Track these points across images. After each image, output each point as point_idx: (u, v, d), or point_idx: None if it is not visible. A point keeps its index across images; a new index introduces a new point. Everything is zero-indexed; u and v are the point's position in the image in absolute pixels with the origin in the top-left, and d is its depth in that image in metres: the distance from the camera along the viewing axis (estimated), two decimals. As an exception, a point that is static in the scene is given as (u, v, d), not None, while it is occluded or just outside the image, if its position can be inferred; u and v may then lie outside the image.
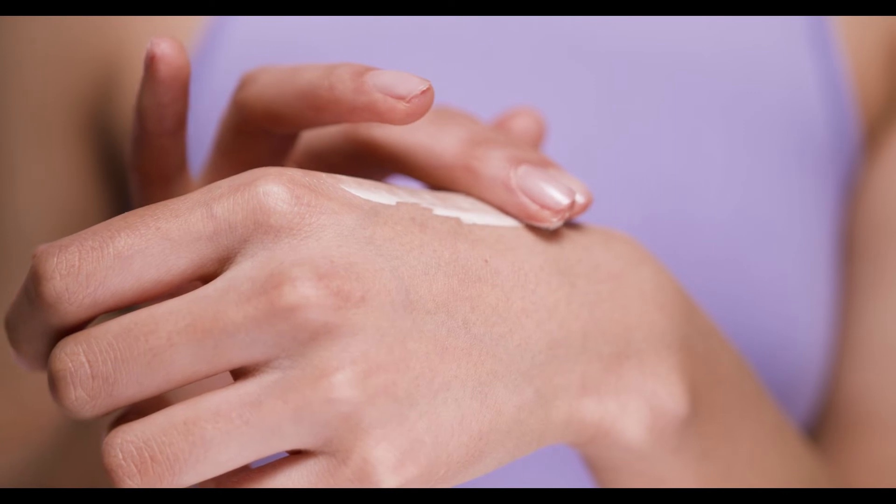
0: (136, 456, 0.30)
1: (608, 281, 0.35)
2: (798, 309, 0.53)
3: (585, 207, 0.35)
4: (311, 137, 0.39)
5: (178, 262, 0.31)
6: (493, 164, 0.35)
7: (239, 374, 0.31)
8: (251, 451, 0.30)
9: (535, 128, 0.40)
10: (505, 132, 0.39)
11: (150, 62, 0.33)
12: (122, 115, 0.57)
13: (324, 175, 0.32)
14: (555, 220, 0.34)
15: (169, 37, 0.34)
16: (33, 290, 0.31)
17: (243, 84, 0.36)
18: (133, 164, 0.36)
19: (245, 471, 0.31)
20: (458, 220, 0.33)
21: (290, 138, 0.37)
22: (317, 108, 0.34)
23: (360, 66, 0.34)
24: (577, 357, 0.33)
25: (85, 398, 0.30)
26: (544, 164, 0.35)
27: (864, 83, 0.57)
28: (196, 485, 0.31)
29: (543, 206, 0.34)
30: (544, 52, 0.54)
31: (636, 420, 0.34)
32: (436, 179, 0.36)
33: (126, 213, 0.31)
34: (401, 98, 0.33)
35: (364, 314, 0.30)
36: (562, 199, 0.34)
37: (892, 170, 0.58)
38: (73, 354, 0.30)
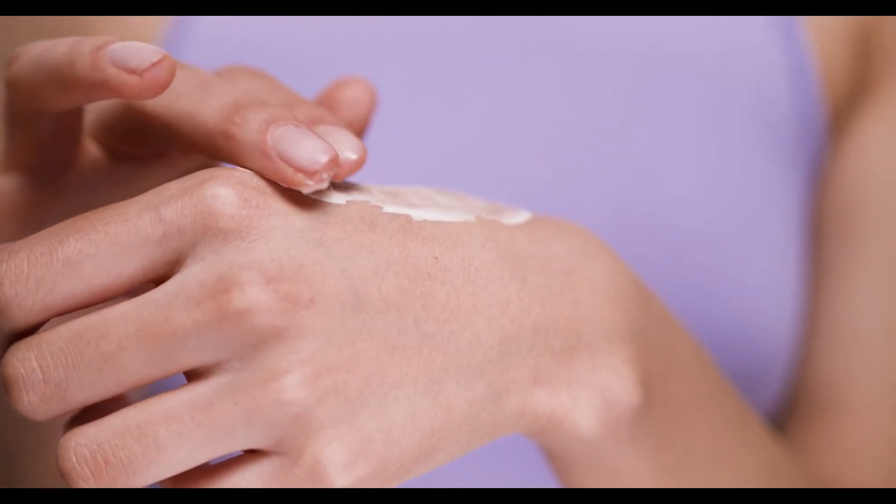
0: (89, 459, 0.30)
1: (560, 275, 0.35)
2: (766, 295, 0.53)
3: (359, 164, 0.33)
4: (100, 109, 0.37)
5: (128, 266, 0.31)
6: (251, 128, 0.32)
7: (192, 375, 0.31)
8: (204, 453, 0.30)
9: (365, 98, 0.38)
10: (326, 103, 0.37)
11: None
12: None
13: None
14: (310, 182, 0.31)
15: None
16: None
17: (10, 61, 0.34)
18: None
19: (201, 469, 0.32)
20: (408, 218, 0.33)
21: (73, 116, 0.35)
22: (65, 87, 0.32)
23: (102, 38, 0.32)
24: (528, 352, 0.34)
25: (38, 402, 0.30)
26: (318, 122, 0.34)
27: (829, 68, 0.58)
28: (153, 484, 0.32)
29: (298, 169, 0.31)
30: (516, 49, 0.54)
31: (588, 411, 0.34)
32: (200, 149, 0.34)
33: (75, 217, 0.31)
34: (132, 72, 0.31)
35: (313, 316, 0.30)
36: (318, 158, 0.31)
37: (857, 155, 0.58)
38: (25, 360, 0.30)
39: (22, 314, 0.31)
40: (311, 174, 0.31)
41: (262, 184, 0.31)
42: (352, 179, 0.52)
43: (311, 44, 0.53)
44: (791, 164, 0.56)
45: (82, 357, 0.30)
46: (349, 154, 0.33)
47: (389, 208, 0.33)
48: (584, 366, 0.35)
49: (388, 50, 0.53)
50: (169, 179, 0.38)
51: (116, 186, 0.38)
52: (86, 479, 0.30)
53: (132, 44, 0.31)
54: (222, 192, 0.31)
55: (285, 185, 0.32)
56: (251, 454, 0.31)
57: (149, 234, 0.31)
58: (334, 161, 0.32)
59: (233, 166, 0.33)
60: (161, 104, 0.34)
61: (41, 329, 0.32)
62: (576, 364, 0.34)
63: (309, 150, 0.32)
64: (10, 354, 0.31)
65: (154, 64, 0.31)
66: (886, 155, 0.58)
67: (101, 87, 0.31)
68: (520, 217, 0.36)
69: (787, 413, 0.60)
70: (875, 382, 0.57)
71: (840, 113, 0.58)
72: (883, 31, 0.59)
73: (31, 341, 0.31)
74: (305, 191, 0.32)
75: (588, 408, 0.35)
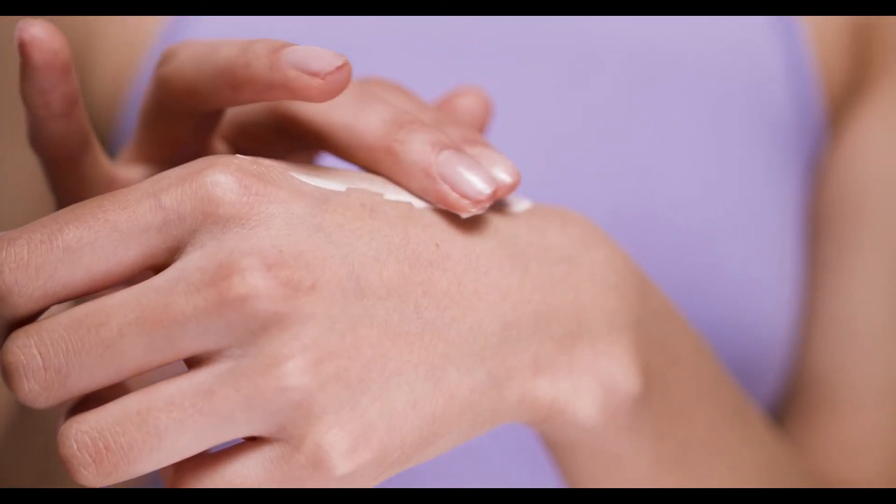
0: (90, 446, 0.30)
1: (561, 263, 0.35)
2: (764, 292, 0.53)
3: (513, 187, 0.34)
4: (237, 111, 0.38)
5: (128, 254, 0.31)
6: (415, 149, 0.34)
7: (193, 362, 0.31)
8: (205, 439, 0.30)
9: (481, 107, 0.39)
10: (444, 111, 0.38)
11: (22, 49, 0.32)
12: (90, 107, 0.57)
13: (273, 163, 0.32)
14: (474, 209, 0.33)
15: (41, 19, 0.32)
16: None
17: (164, 59, 0.35)
18: (34, 148, 0.35)
19: (202, 457, 0.31)
20: (409, 205, 0.33)
21: (216, 115, 0.36)
22: (234, 86, 0.33)
23: (278, 42, 0.33)
24: (529, 339, 0.34)
25: (38, 390, 0.30)
26: (472, 143, 0.35)
27: (827, 63, 0.58)
28: (157, 482, 0.32)
29: (463, 196, 0.33)
30: (516, 49, 0.54)
31: (589, 399, 0.34)
32: (357, 160, 0.35)
33: (75, 205, 0.31)
34: (315, 75, 0.32)
35: (314, 302, 0.30)
36: (483, 189, 0.33)
37: (855, 149, 0.59)
38: (25, 347, 0.30)
39: (22, 301, 0.30)
40: (476, 202, 0.33)
41: (261, 171, 0.31)
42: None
43: (310, 44, 0.53)
44: (789, 160, 0.56)
45: (83, 344, 0.30)
46: (504, 177, 0.34)
47: (390, 196, 0.33)
48: (584, 354, 0.34)
49: (387, 50, 0.53)
50: None
51: None
52: (86, 466, 0.30)
53: (312, 48, 0.32)
54: (222, 178, 0.31)
55: (444, 207, 0.33)
56: (252, 441, 0.31)
57: (148, 221, 0.31)
58: (496, 191, 0.33)
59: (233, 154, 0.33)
60: (317, 112, 0.35)
61: (41, 317, 0.32)
62: (577, 352, 0.34)
63: (475, 179, 0.33)
64: (9, 342, 0.31)
65: (338, 68, 0.32)
66: (883, 151, 0.59)
67: (278, 88, 0.32)
68: (521, 206, 0.36)
69: (784, 408, 0.60)
70: (872, 377, 0.57)
71: (838, 109, 0.59)
72: (881, 28, 0.59)
73: (30, 329, 0.30)
74: (464, 215, 0.33)
75: (589, 396, 0.34)
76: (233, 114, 0.38)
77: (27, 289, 0.30)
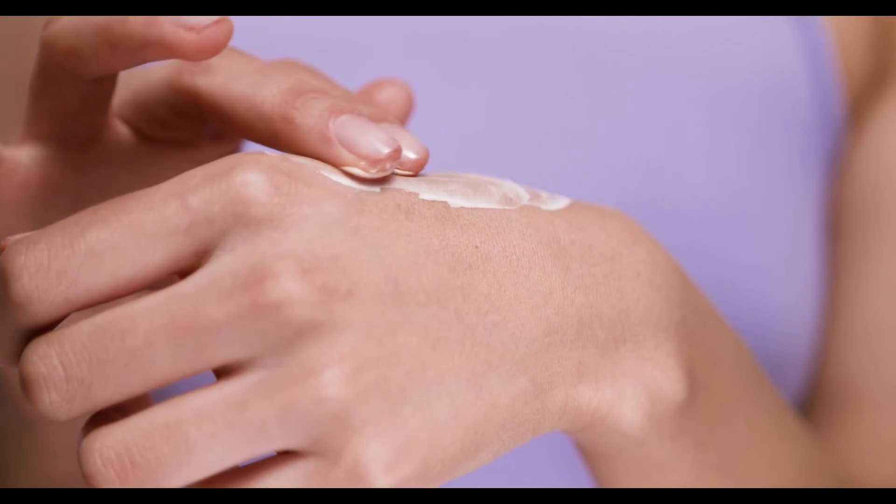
0: (115, 461, 0.28)
1: (603, 262, 0.33)
2: (784, 288, 0.52)
3: (420, 164, 0.33)
4: (137, 87, 0.37)
5: (154, 257, 0.29)
6: (312, 114, 0.32)
7: (222, 372, 0.29)
8: (237, 454, 0.29)
9: (403, 98, 0.37)
10: (363, 97, 0.37)
11: None
12: None
13: (302, 160, 0.31)
14: (372, 170, 0.31)
15: None
16: (1, 290, 0.29)
17: (46, 24, 0.34)
18: None
19: (232, 471, 0.30)
20: (445, 205, 0.32)
21: (105, 84, 0.35)
22: (111, 44, 0.32)
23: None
24: (572, 343, 0.32)
25: (60, 402, 0.29)
26: (380, 119, 0.33)
27: (847, 57, 0.57)
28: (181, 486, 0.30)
29: (360, 156, 0.31)
30: (522, 47, 0.53)
31: (633, 406, 0.33)
32: (257, 135, 0.34)
33: (96, 206, 0.30)
34: (190, 29, 0.31)
35: (351, 308, 0.29)
36: (380, 148, 0.32)
37: (877, 144, 0.58)
38: (46, 357, 0.29)
39: (42, 308, 0.29)
40: (373, 162, 0.31)
41: (292, 168, 0.30)
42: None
43: (310, 44, 0.52)
44: (809, 151, 0.55)
45: (107, 353, 0.28)
46: (409, 153, 0.33)
47: (426, 195, 0.32)
48: (628, 359, 0.33)
49: (388, 50, 0.52)
50: (191, 168, 0.38)
51: (137, 170, 0.36)
52: (111, 483, 0.28)
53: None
54: (253, 178, 0.29)
55: (344, 171, 0.32)
56: (285, 455, 0.29)
57: (175, 223, 0.29)
58: (397, 153, 0.32)
59: (260, 151, 0.31)
60: (216, 85, 0.34)
61: (60, 325, 0.30)
62: (620, 357, 0.33)
63: (371, 139, 0.32)
64: (29, 351, 0.29)
65: (214, 22, 0.31)
66: None
67: (154, 45, 0.31)
68: (559, 203, 0.35)
69: (809, 408, 0.59)
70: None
71: (859, 104, 0.58)
72: None
73: (51, 337, 0.29)
74: (368, 177, 0.32)
75: (633, 403, 0.33)
76: (135, 93, 0.36)
77: (48, 295, 0.29)
